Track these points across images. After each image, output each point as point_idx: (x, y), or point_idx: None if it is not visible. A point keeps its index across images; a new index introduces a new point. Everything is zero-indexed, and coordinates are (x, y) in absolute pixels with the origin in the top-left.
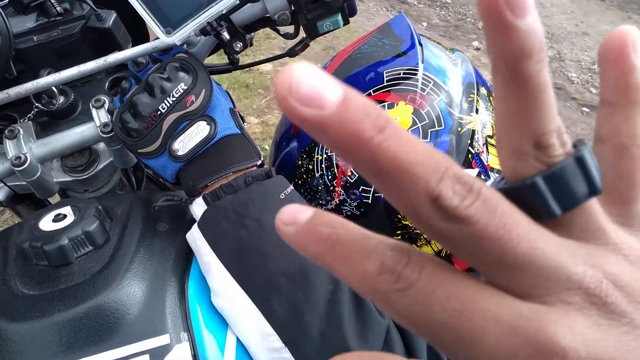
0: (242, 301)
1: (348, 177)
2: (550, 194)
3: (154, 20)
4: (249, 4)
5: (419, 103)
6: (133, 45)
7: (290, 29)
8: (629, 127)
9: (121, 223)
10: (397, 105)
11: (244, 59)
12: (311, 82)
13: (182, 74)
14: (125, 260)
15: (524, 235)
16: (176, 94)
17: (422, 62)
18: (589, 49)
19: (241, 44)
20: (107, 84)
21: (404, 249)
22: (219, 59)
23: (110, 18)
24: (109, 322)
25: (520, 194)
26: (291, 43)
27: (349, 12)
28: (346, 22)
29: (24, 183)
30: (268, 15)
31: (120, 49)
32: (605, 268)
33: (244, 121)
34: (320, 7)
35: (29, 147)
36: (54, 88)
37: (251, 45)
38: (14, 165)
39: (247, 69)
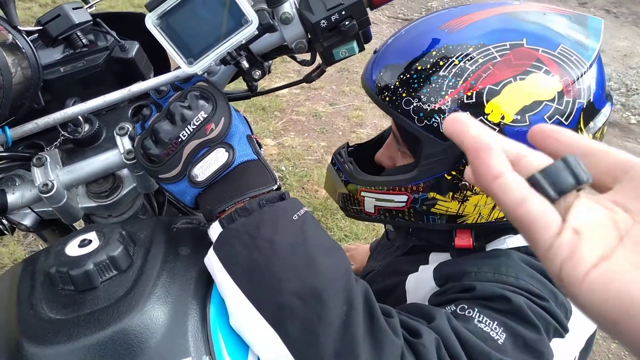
0: (257, 323)
1: (466, 96)
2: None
3: (176, 52)
4: (267, 34)
5: (569, 91)
6: (155, 73)
7: (306, 55)
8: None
9: (144, 248)
10: (551, 75)
11: (259, 81)
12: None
13: (202, 102)
14: (148, 285)
15: None
16: (196, 122)
17: (592, 65)
18: (605, 65)
19: (260, 71)
20: (130, 112)
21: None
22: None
23: (134, 49)
24: (132, 347)
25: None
26: (308, 69)
27: (364, 39)
28: (361, 49)
29: (50, 209)
30: (286, 43)
31: (143, 77)
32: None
33: (260, 147)
34: (336, 35)
35: (56, 174)
36: (79, 117)
37: (269, 72)
38: (42, 192)
39: (260, 79)
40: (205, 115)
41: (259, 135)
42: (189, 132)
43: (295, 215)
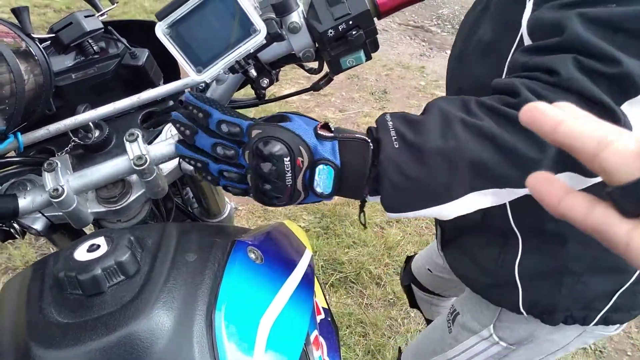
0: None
1: None
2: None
3: (185, 60)
4: (275, 43)
5: None
6: (165, 81)
7: (314, 64)
8: None
9: (152, 253)
10: None
11: (270, 88)
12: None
13: (277, 151)
14: (155, 290)
15: None
16: (288, 169)
17: None
18: None
19: (268, 80)
20: (139, 118)
21: None
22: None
23: (144, 56)
24: (138, 351)
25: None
26: (316, 77)
27: (372, 48)
28: (368, 58)
29: (61, 213)
30: (293, 52)
31: (153, 84)
32: None
33: (330, 130)
34: (343, 44)
35: (66, 179)
36: (90, 123)
37: (277, 80)
38: (52, 197)
39: (268, 87)
40: (289, 160)
41: None
42: (290, 179)
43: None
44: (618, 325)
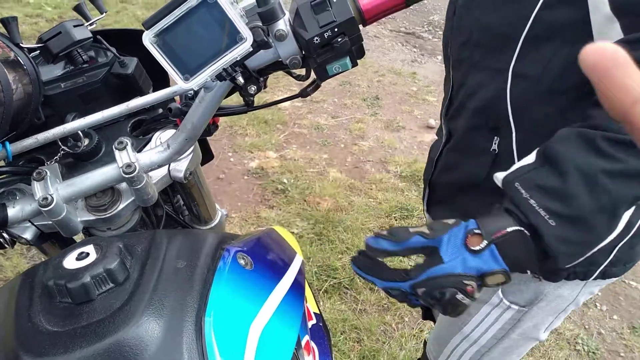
0: None
1: None
2: None
3: (173, 68)
4: (262, 50)
5: None
6: (154, 88)
7: (302, 71)
8: None
9: (141, 260)
10: None
11: (262, 94)
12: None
13: (448, 297)
14: (144, 297)
15: None
16: (463, 299)
17: None
18: None
19: (255, 87)
20: (129, 126)
21: None
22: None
23: (133, 64)
24: (128, 359)
25: None
26: (304, 84)
27: (357, 54)
28: (354, 64)
29: (50, 222)
30: (280, 60)
31: (142, 92)
32: None
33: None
34: (329, 51)
35: (55, 188)
36: (79, 131)
37: (265, 87)
38: (41, 206)
39: (256, 94)
40: (460, 294)
41: (261, 148)
42: (467, 300)
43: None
44: (614, 278)
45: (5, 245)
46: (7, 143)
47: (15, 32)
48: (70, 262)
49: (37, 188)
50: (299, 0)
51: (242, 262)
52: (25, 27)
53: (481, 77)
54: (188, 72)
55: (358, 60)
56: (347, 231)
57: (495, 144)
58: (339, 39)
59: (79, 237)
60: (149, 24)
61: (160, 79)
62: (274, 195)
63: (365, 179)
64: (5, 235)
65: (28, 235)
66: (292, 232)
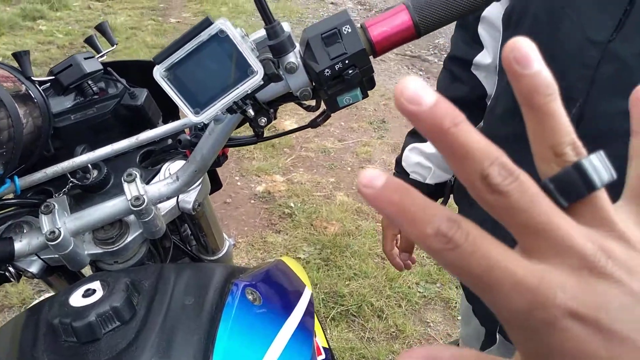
0: None
1: None
2: (557, 191)
3: (183, 102)
4: (272, 83)
5: None
6: (163, 119)
7: (311, 102)
8: None
9: (148, 297)
10: None
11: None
12: (415, 89)
13: None
14: (150, 337)
15: (544, 211)
16: None
17: None
18: None
19: (266, 118)
20: (138, 157)
21: (456, 219)
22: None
23: (143, 96)
24: None
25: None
26: (314, 114)
27: (368, 85)
28: (365, 96)
29: (57, 256)
30: (291, 91)
31: (152, 123)
32: (604, 245)
33: None
34: (340, 83)
35: (63, 221)
36: (88, 164)
37: (275, 118)
38: (49, 240)
39: (266, 126)
40: None
41: (268, 172)
42: None
43: None
44: None
45: (11, 279)
46: (16, 178)
47: (27, 65)
48: (77, 299)
49: (45, 222)
50: (309, 33)
51: (250, 297)
52: (37, 54)
53: None
54: (199, 105)
55: (368, 91)
56: (355, 256)
57: None
58: (350, 71)
59: (85, 270)
60: (160, 58)
61: (170, 110)
62: (281, 219)
63: None
64: (11, 269)
65: (34, 268)
66: (299, 258)
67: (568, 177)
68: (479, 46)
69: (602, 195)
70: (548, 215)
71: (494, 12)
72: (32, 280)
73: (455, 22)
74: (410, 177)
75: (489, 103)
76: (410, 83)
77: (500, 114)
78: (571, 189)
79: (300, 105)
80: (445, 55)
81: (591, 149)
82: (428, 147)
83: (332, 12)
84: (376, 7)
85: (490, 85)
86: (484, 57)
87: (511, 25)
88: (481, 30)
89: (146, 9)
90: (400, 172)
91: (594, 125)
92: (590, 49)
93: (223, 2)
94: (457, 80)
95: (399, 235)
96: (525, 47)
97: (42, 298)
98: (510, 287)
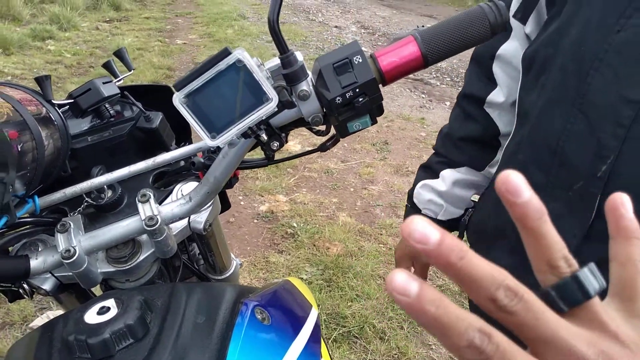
0: None
1: None
2: (558, 298)
3: (200, 127)
4: (285, 109)
5: None
6: (177, 141)
7: (322, 127)
8: (625, 252)
9: (161, 315)
10: None
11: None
12: (423, 230)
13: None
14: (164, 354)
15: (549, 324)
16: None
17: None
18: None
19: (278, 143)
20: (151, 179)
21: (488, 331)
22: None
23: (158, 119)
24: None
25: (543, 297)
26: (323, 138)
27: (377, 112)
28: (374, 122)
29: (70, 274)
30: (303, 117)
31: (165, 146)
32: (602, 348)
33: None
34: (350, 110)
35: (78, 240)
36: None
37: (286, 142)
38: (64, 258)
39: (278, 150)
40: None
41: (271, 192)
42: None
43: None
44: None
45: (25, 296)
46: (36, 197)
47: (48, 89)
48: (92, 316)
49: (61, 240)
50: (321, 62)
51: (259, 316)
52: (45, 73)
53: None
54: (215, 130)
55: (377, 118)
56: (357, 277)
57: None
58: (360, 99)
59: (96, 288)
60: (179, 85)
61: (183, 131)
62: (284, 239)
63: (375, 224)
64: (25, 285)
65: (47, 286)
66: (301, 279)
67: (567, 286)
68: (492, 84)
69: (595, 301)
70: (552, 329)
71: (509, 51)
72: (35, 298)
73: (467, 54)
74: (422, 212)
75: (505, 144)
76: (418, 224)
77: (522, 160)
78: (570, 296)
79: (311, 129)
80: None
81: None
82: (440, 184)
83: (336, 35)
84: (379, 31)
85: (503, 123)
86: (497, 96)
87: (533, 70)
88: (496, 69)
89: (153, 31)
90: (412, 206)
91: (625, 183)
92: (625, 108)
93: (229, 25)
94: (470, 118)
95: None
96: (514, 179)
97: (44, 315)
98: None
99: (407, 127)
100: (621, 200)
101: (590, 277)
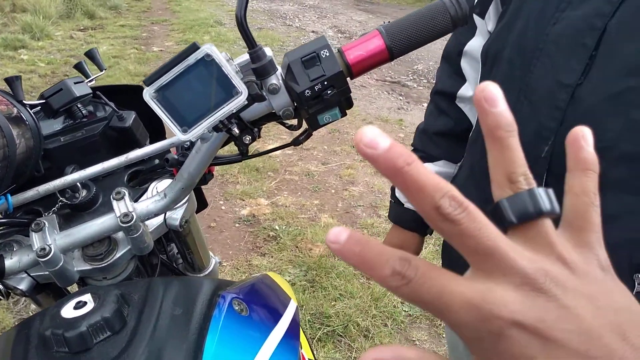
0: None
1: None
2: (510, 210)
3: (171, 121)
4: (256, 103)
5: None
6: (151, 140)
7: (294, 121)
8: (580, 184)
9: (138, 308)
10: None
11: (255, 143)
12: (372, 135)
13: None
14: (141, 345)
15: (491, 236)
16: None
17: None
18: None
19: (250, 137)
20: (126, 177)
21: (407, 258)
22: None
23: (130, 118)
24: None
25: (494, 210)
26: (296, 133)
27: (346, 105)
28: (343, 114)
29: (47, 273)
30: (274, 111)
31: (139, 144)
32: (543, 265)
33: None
34: (319, 103)
35: (53, 238)
36: (78, 183)
37: (259, 137)
38: (39, 257)
39: (250, 144)
40: None
41: (252, 195)
42: None
43: None
44: None
45: (1, 297)
46: (8, 195)
47: (18, 89)
48: (68, 311)
49: (36, 239)
50: (290, 56)
51: (237, 308)
52: None
53: (629, 202)
54: (186, 124)
55: (347, 110)
56: (340, 277)
57: (638, 284)
58: (329, 92)
59: (73, 288)
60: (149, 80)
61: (156, 131)
62: (266, 242)
63: (356, 224)
64: (0, 286)
65: (23, 286)
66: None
67: (522, 199)
68: (462, 79)
69: (547, 222)
70: (494, 240)
71: (475, 47)
72: (13, 309)
73: (440, 56)
74: (404, 206)
75: (470, 134)
76: (368, 131)
77: (481, 145)
78: (522, 209)
79: (283, 124)
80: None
81: (560, 185)
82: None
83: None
84: (356, 35)
85: (474, 116)
86: (467, 90)
87: (487, 64)
88: (464, 64)
89: (129, 38)
90: (396, 202)
91: (563, 163)
92: (561, 92)
93: (206, 31)
94: (443, 113)
95: None
96: (493, 89)
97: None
98: (459, 306)
99: (385, 129)
100: (582, 133)
101: (545, 197)
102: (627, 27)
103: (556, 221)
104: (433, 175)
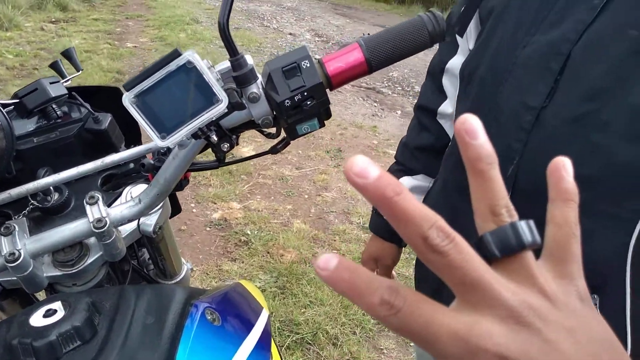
0: None
1: None
2: (493, 244)
3: (150, 127)
4: (236, 111)
5: None
6: (126, 143)
7: (272, 129)
8: (562, 214)
9: (109, 317)
10: None
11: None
12: (362, 165)
13: None
14: (111, 355)
15: (477, 268)
16: None
17: None
18: None
19: (228, 144)
20: (99, 181)
21: (395, 287)
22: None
23: (107, 120)
24: None
25: (478, 243)
26: (274, 141)
27: (325, 116)
28: (322, 125)
29: (14, 278)
30: (253, 119)
31: (115, 148)
32: (526, 299)
33: None
34: (299, 113)
35: (23, 243)
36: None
37: (237, 144)
38: (8, 262)
39: (228, 152)
40: None
41: (224, 199)
42: None
43: None
44: None
45: None
46: None
47: None
48: (37, 319)
49: (4, 243)
50: (271, 65)
51: (210, 317)
52: None
53: (589, 225)
54: (165, 130)
55: (325, 121)
56: (311, 284)
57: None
58: (308, 102)
59: (41, 294)
60: (129, 86)
61: (133, 134)
62: (237, 247)
63: (329, 230)
64: None
65: None
66: (255, 286)
67: (505, 233)
68: (443, 96)
69: (529, 255)
70: (480, 272)
71: (455, 64)
72: None
73: (418, 64)
74: (384, 217)
75: (447, 149)
76: (358, 160)
77: (454, 161)
78: (505, 243)
79: (262, 132)
80: (398, 88)
81: (524, 205)
82: (405, 181)
83: (290, 42)
84: (332, 39)
85: (453, 133)
86: (447, 107)
87: (464, 82)
88: (445, 81)
89: (102, 33)
90: (376, 212)
91: (527, 184)
92: (526, 114)
93: (182, 29)
94: (424, 129)
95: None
96: (473, 122)
97: None
98: (446, 337)
99: (359, 135)
100: (563, 163)
101: (527, 230)
102: (590, 53)
103: (537, 250)
104: (421, 205)
